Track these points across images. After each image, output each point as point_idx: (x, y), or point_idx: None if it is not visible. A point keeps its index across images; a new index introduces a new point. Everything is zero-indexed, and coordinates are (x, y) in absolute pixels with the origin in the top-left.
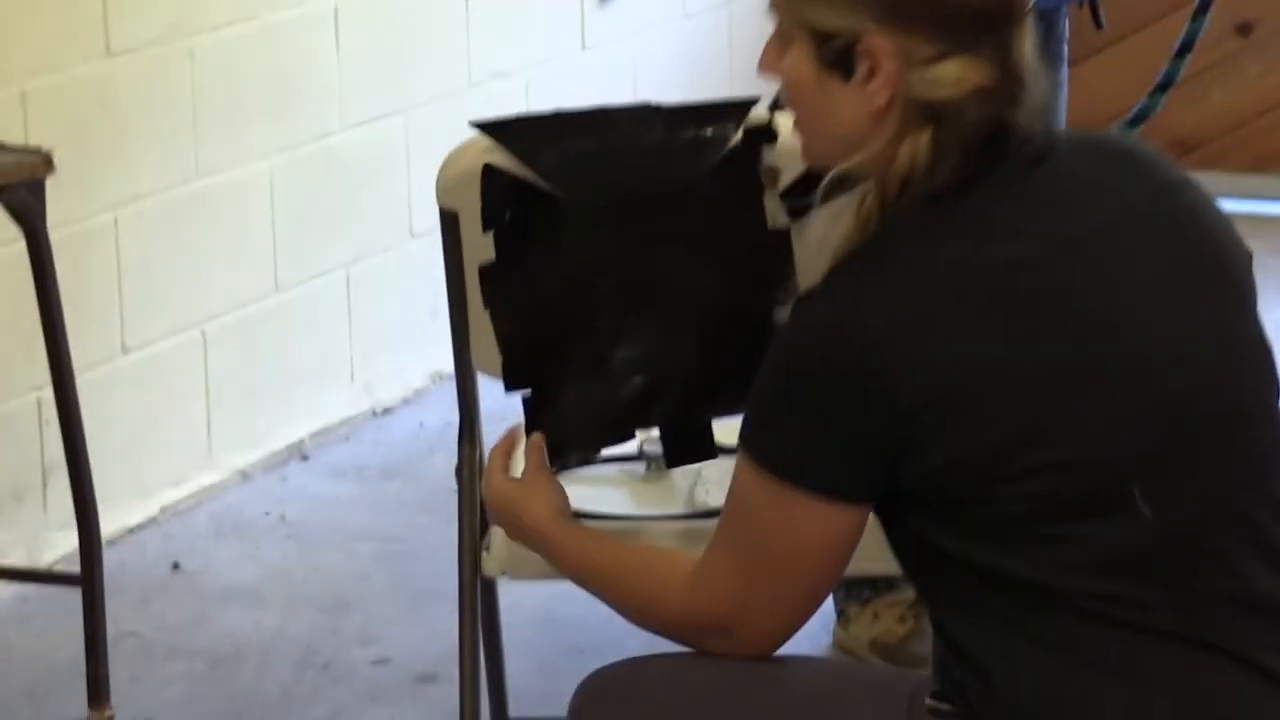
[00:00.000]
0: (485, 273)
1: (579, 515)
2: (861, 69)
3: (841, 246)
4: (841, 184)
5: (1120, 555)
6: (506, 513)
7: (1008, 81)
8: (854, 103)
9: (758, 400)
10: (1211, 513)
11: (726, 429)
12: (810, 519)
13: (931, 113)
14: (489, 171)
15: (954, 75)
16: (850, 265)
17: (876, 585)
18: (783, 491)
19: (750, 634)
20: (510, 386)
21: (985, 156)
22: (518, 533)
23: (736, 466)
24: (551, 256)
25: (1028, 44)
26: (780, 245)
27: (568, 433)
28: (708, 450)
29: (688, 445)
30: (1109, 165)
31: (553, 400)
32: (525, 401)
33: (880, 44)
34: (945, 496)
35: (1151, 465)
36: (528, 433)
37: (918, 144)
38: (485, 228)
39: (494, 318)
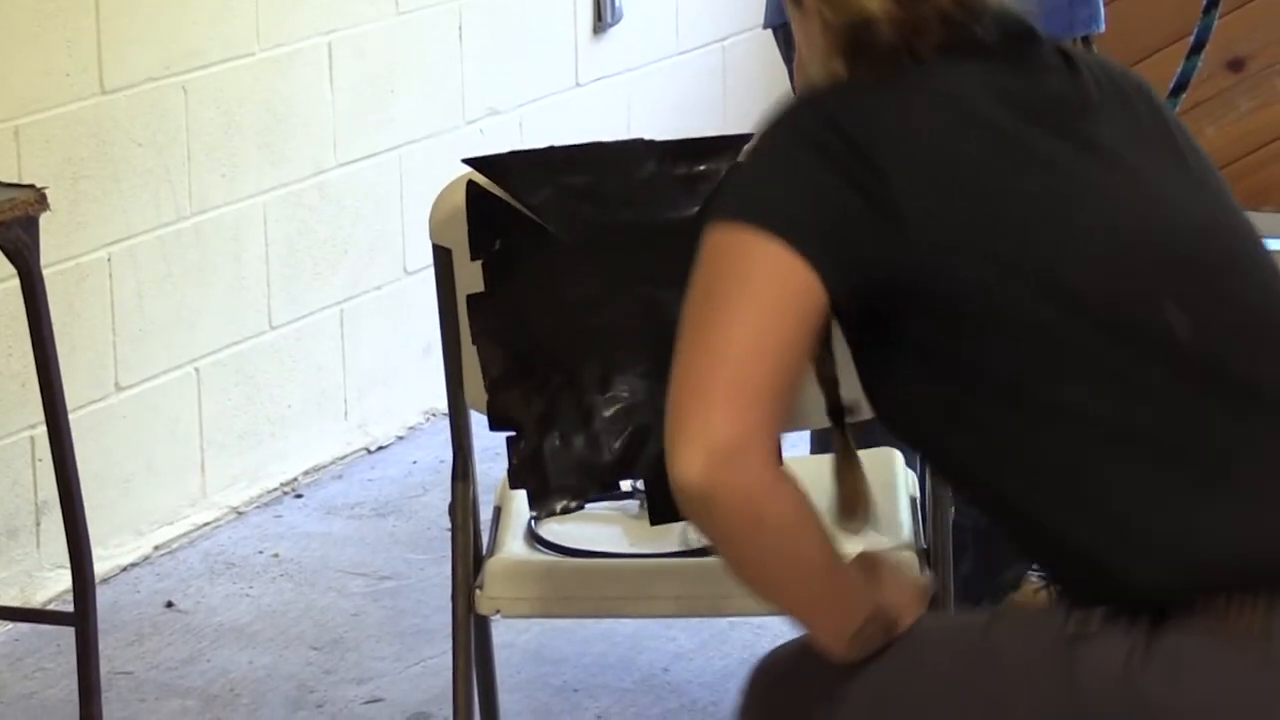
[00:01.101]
0: (474, 303)
1: (572, 553)
2: None
3: None
4: None
5: (1153, 380)
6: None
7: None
8: (813, 36)
9: (732, 176)
10: (1244, 331)
11: None
12: (769, 273)
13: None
14: (475, 194)
15: None
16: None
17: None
18: (743, 239)
19: (714, 442)
20: (495, 426)
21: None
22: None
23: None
24: (541, 292)
25: None
26: None
27: (551, 481)
28: None
29: (672, 501)
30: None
31: (538, 445)
32: (509, 442)
33: None
34: (949, 301)
35: (1175, 277)
36: (510, 476)
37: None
38: (474, 255)
39: (481, 353)
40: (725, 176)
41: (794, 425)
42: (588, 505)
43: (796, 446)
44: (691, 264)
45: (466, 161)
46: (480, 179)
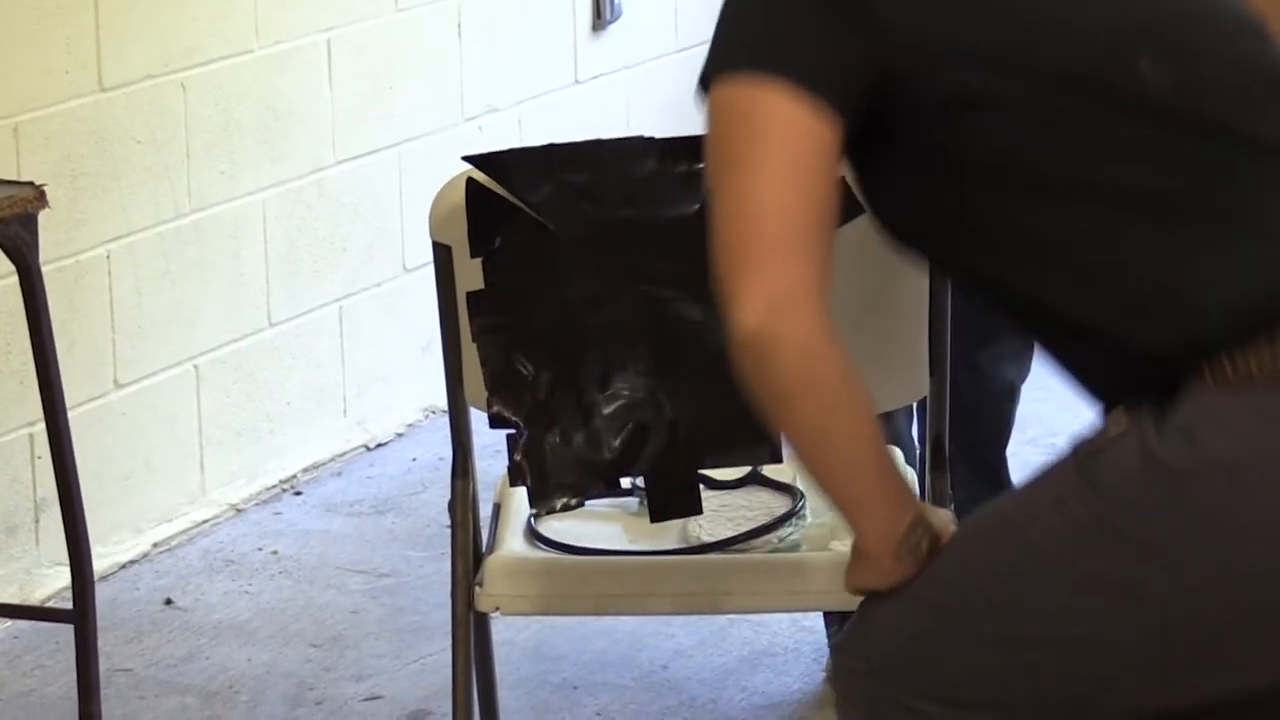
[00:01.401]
0: (474, 301)
1: (572, 551)
2: None
3: None
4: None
5: (1143, 140)
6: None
7: None
8: None
9: (719, 26)
10: (1228, 97)
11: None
12: (783, 122)
13: None
14: (475, 192)
15: None
16: None
17: None
18: (752, 93)
19: (772, 292)
20: (495, 423)
21: None
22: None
23: (705, 117)
24: (541, 289)
25: None
26: None
27: (549, 479)
28: (693, 504)
29: (672, 498)
30: None
31: (537, 442)
32: (509, 439)
33: None
34: (949, 99)
35: (1154, 37)
36: (510, 473)
37: None
38: (474, 252)
39: (481, 350)
40: (714, 32)
41: None
42: (587, 502)
43: None
44: (691, 262)
45: (466, 159)
46: (480, 176)
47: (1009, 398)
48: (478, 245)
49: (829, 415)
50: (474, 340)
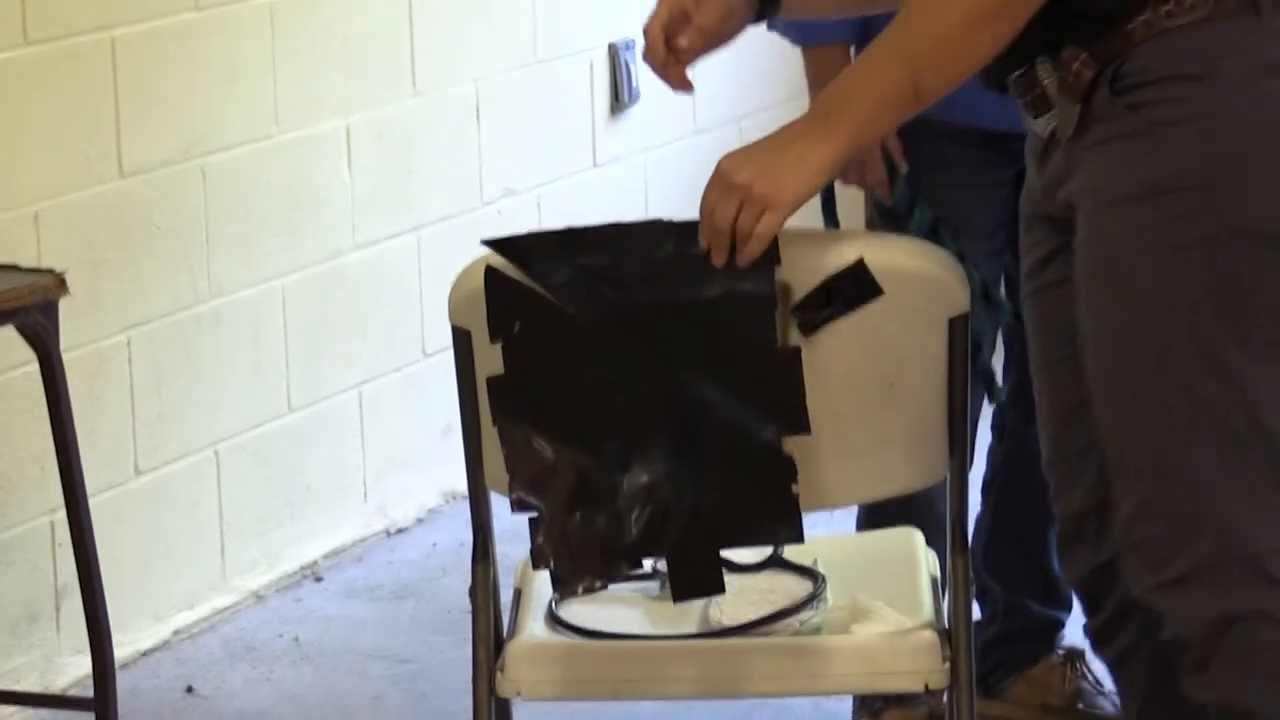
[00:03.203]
0: (494, 386)
1: (593, 635)
2: None
3: None
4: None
5: None
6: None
7: None
8: None
9: None
10: None
11: (736, 549)
12: None
13: None
14: (493, 276)
15: None
16: None
17: (888, 699)
18: None
19: None
20: (517, 508)
21: None
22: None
23: None
24: (561, 373)
25: None
26: (790, 365)
27: (572, 562)
28: (715, 584)
29: (694, 578)
30: None
31: (559, 526)
32: (531, 523)
33: None
34: None
35: None
36: (533, 557)
37: None
38: (493, 338)
39: (502, 434)
40: None
41: (841, 501)
42: (608, 587)
43: (843, 522)
44: (711, 344)
45: (485, 243)
46: (498, 260)
47: None
48: (496, 330)
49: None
50: (494, 424)
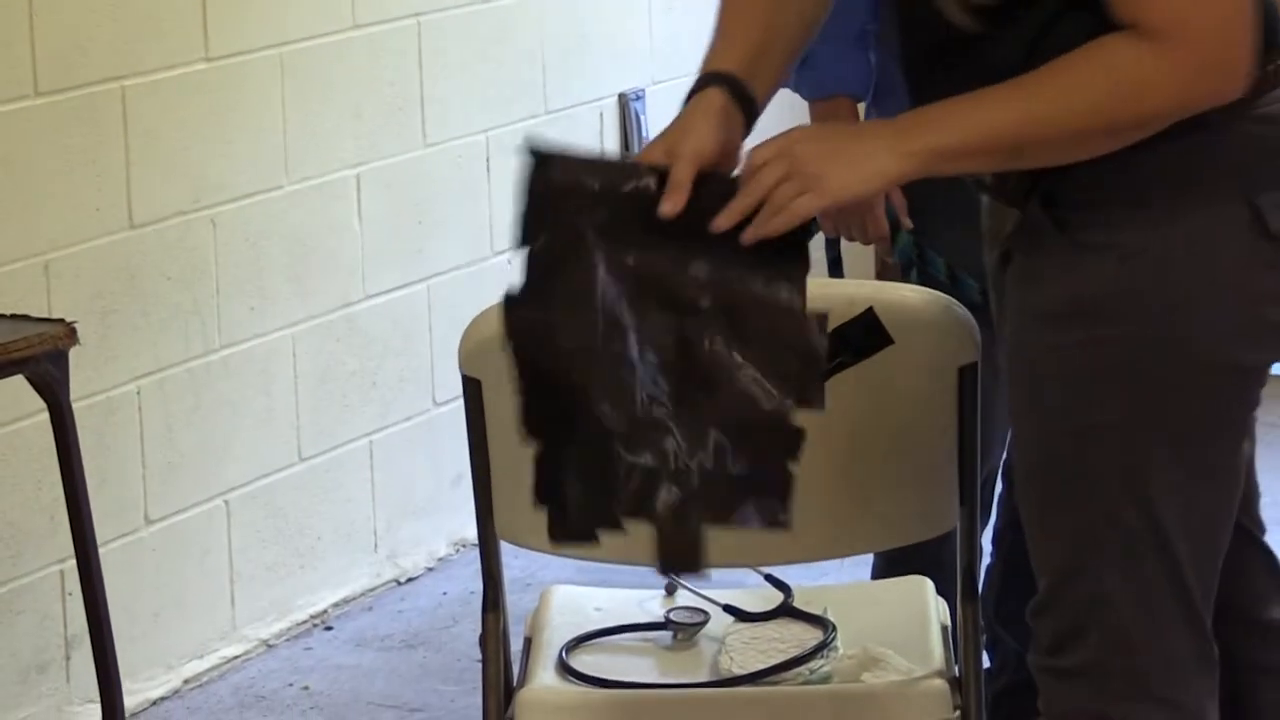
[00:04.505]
0: (509, 303)
1: (604, 684)
2: None
3: None
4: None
5: None
6: (842, 161)
7: None
8: None
9: None
10: None
11: (743, 595)
12: None
13: None
14: (538, 182)
15: None
16: None
17: None
18: None
19: (1234, 53)
20: (526, 437)
21: None
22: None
23: None
24: (576, 309)
25: None
26: (812, 334)
27: (564, 512)
28: (696, 562)
29: (678, 551)
30: None
31: (557, 475)
32: (535, 464)
33: None
34: None
35: None
36: (534, 494)
37: None
38: (520, 240)
39: (513, 358)
40: None
41: (851, 551)
42: (618, 636)
43: (858, 569)
44: (736, 301)
45: (528, 146)
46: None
47: None
48: (525, 237)
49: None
50: (504, 347)
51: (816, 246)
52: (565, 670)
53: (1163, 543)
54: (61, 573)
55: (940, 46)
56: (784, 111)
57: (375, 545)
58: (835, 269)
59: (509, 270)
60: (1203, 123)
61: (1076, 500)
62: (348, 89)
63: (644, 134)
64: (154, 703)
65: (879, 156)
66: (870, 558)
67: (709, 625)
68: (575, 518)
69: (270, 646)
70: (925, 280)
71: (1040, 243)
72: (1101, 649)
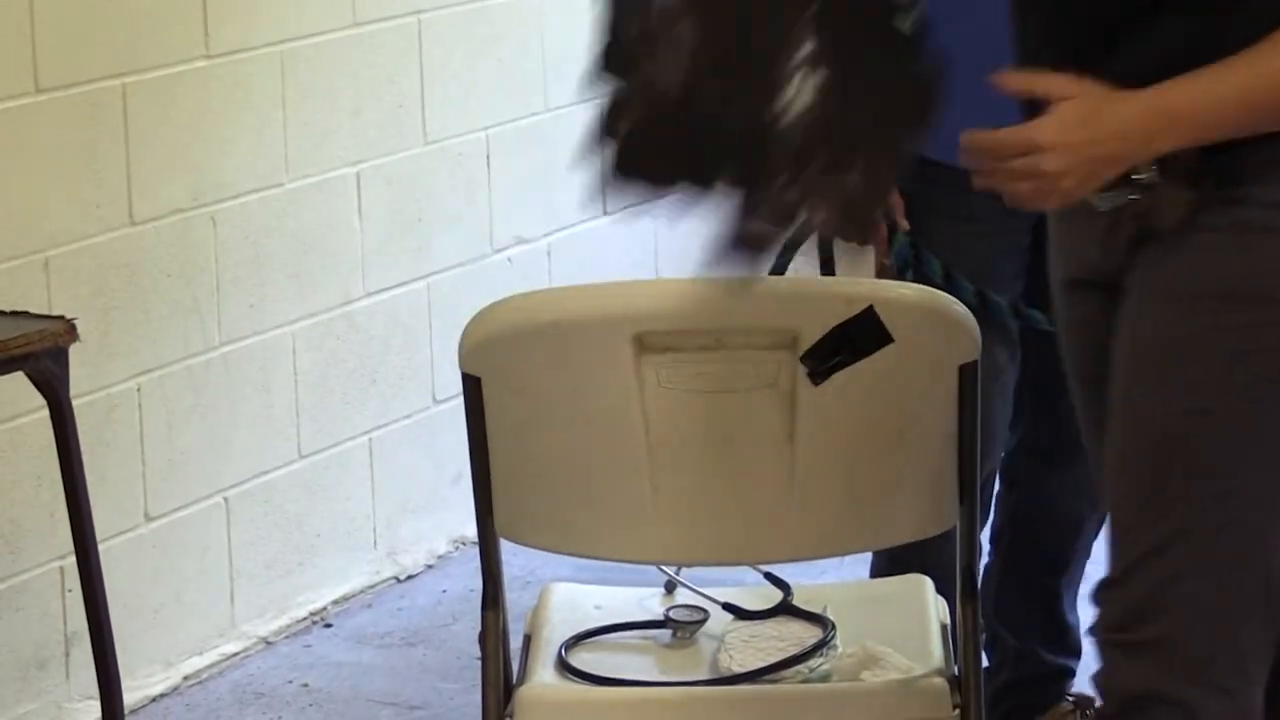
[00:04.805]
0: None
1: (603, 682)
2: None
3: None
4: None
5: None
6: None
7: None
8: None
9: None
10: None
11: (742, 594)
12: None
13: None
14: None
15: None
16: None
17: None
18: None
19: None
20: (601, 72)
21: None
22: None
23: None
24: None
25: None
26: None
27: (639, 149)
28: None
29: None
30: None
31: (636, 98)
32: (614, 94)
33: None
34: None
35: None
36: (603, 127)
37: None
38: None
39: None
40: None
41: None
42: (618, 634)
43: (857, 568)
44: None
45: None
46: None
47: (1074, 531)
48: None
49: None
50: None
51: (810, 248)
52: (564, 668)
53: (1258, 532)
54: (61, 570)
55: (1107, 23)
56: None
57: (375, 543)
58: (827, 270)
59: (509, 269)
60: None
61: (1187, 479)
62: (348, 87)
63: None
64: (153, 699)
65: (1128, 163)
66: (869, 556)
67: (708, 623)
68: (642, 162)
69: (270, 644)
70: (921, 281)
71: (1207, 223)
72: (1174, 627)
